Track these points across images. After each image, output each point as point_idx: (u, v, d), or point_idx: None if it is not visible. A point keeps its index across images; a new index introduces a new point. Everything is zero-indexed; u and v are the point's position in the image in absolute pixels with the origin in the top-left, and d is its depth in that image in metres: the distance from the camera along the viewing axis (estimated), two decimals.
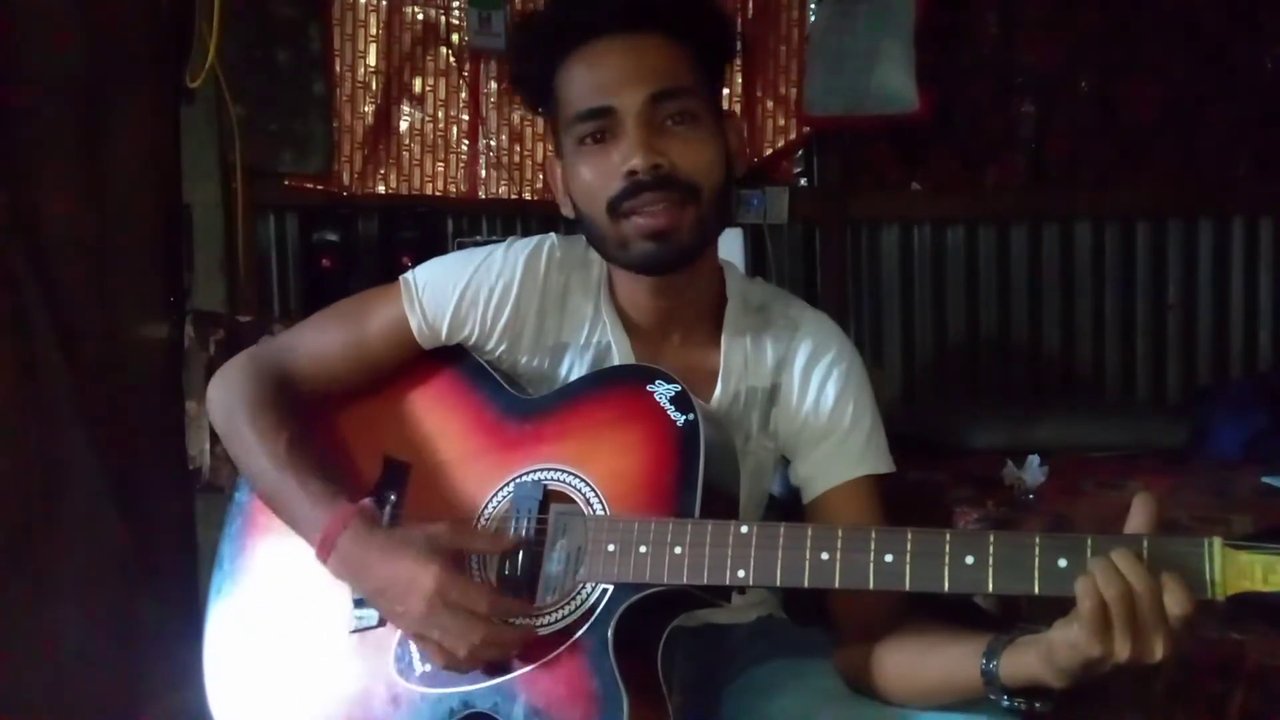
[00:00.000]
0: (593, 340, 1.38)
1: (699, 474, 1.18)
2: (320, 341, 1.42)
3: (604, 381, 1.33)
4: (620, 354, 1.37)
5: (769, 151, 3.51)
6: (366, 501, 1.28)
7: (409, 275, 1.40)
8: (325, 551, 1.25)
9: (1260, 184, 3.37)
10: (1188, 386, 3.41)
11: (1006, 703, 1.12)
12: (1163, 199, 3.43)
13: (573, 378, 1.38)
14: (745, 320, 1.40)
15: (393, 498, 1.34)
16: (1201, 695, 1.59)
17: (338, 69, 3.44)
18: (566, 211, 1.37)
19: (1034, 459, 2.27)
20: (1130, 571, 0.98)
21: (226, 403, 1.38)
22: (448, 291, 1.37)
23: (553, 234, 1.41)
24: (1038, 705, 1.11)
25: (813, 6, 3.45)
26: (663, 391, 1.23)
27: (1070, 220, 3.47)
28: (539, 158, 3.49)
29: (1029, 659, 1.08)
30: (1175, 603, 0.97)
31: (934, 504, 2.19)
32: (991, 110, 3.45)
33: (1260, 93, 3.34)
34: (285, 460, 1.30)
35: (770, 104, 3.50)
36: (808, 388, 1.37)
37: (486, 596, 1.20)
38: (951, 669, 1.17)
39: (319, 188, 3.42)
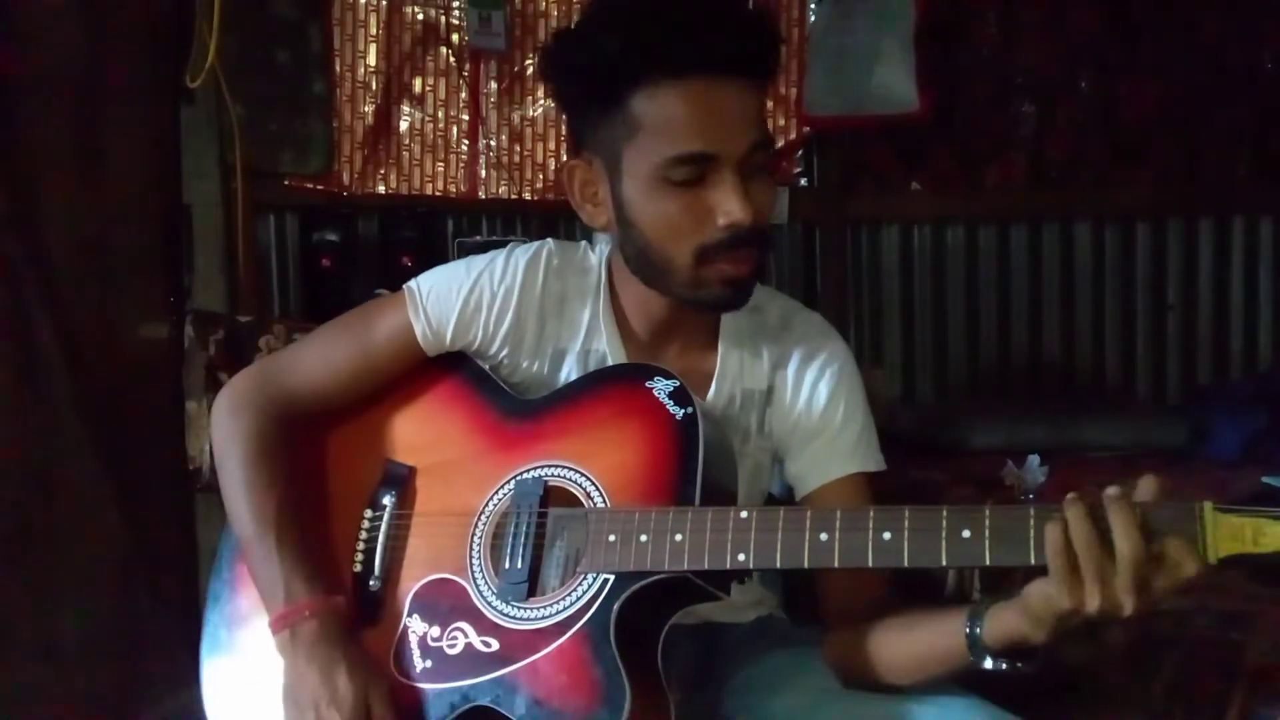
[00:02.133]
0: (589, 347, 1.39)
1: (699, 466, 1.19)
2: (327, 354, 1.42)
3: (603, 380, 1.33)
4: (616, 362, 1.37)
5: None
6: (339, 599, 1.30)
7: (413, 283, 1.41)
8: (279, 625, 1.28)
9: (1260, 184, 3.38)
10: (1187, 386, 3.41)
11: (990, 664, 1.14)
12: (1163, 199, 3.43)
13: None
14: (741, 323, 1.40)
15: (386, 502, 1.35)
16: (1201, 695, 1.59)
17: (338, 69, 3.44)
18: (596, 223, 1.34)
19: (1034, 459, 2.27)
20: (1077, 518, 1.00)
21: (227, 432, 1.39)
22: (452, 297, 1.37)
23: (550, 240, 1.41)
24: (1020, 665, 1.13)
25: (813, 6, 3.45)
26: (661, 387, 1.25)
27: (1070, 220, 3.47)
28: (539, 158, 3.47)
29: (1009, 615, 1.11)
30: (1128, 545, 0.98)
31: (934, 504, 2.18)
32: (991, 110, 3.45)
33: (1260, 93, 3.34)
34: (273, 520, 1.31)
35: (770, 104, 3.49)
36: (801, 387, 1.38)
37: None
38: (936, 638, 1.19)
39: (319, 188, 3.43)
